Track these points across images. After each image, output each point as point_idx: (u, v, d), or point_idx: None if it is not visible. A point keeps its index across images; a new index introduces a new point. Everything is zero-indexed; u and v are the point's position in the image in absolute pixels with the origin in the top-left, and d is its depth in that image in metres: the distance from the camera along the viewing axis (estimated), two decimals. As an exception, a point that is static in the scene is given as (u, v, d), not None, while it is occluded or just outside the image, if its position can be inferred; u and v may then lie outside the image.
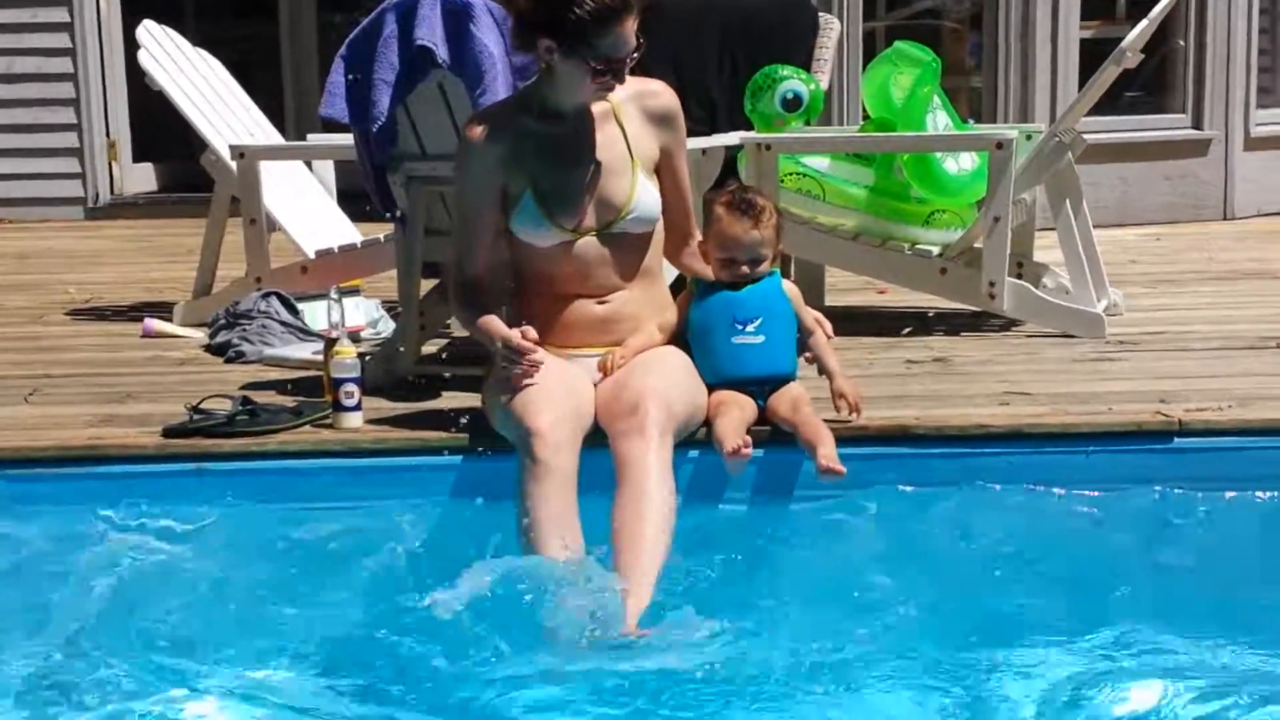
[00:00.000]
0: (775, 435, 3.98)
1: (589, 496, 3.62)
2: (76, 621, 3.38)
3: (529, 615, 3.34)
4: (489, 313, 3.91)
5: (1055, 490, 4.00)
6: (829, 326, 4.10)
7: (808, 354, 4.09)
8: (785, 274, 4.50)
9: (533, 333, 3.76)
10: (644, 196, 3.92)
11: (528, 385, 3.72)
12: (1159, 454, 4.09)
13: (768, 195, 4.15)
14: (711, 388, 3.96)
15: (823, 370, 4.08)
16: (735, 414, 3.88)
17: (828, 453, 3.78)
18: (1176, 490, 4.00)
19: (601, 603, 3.33)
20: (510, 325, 4.00)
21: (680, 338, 4.03)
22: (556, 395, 3.71)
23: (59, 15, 10.11)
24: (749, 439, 3.81)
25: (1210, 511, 3.93)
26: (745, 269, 3.97)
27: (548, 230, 3.88)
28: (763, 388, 3.99)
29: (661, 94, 4.04)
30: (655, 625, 3.32)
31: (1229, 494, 4.00)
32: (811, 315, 4.09)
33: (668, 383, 3.79)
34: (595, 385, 3.89)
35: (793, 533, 3.82)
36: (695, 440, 3.91)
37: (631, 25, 3.75)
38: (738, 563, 3.66)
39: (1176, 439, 4.11)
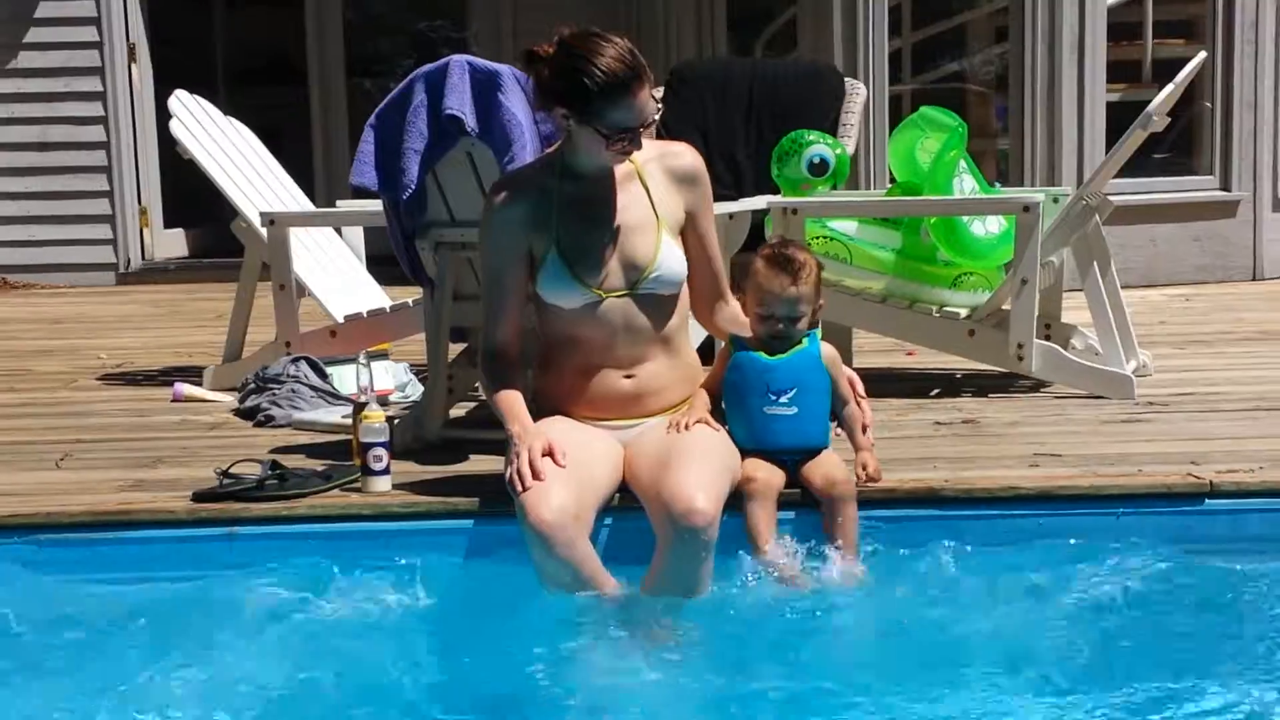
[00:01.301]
0: (805, 498, 3.97)
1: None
2: (109, 684, 3.38)
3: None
4: (513, 386, 3.93)
5: (1085, 552, 3.97)
6: (860, 386, 4.09)
7: (837, 429, 4.08)
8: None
9: (553, 459, 3.73)
10: (668, 256, 3.93)
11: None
12: (1190, 516, 4.07)
13: (808, 249, 4.14)
14: (743, 451, 3.95)
15: (851, 441, 4.08)
16: (767, 505, 3.87)
17: (846, 557, 3.83)
18: (1207, 552, 3.97)
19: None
20: (536, 396, 4.03)
21: (716, 396, 4.03)
22: (566, 477, 3.70)
23: (92, 84, 10.26)
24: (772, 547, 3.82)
25: (1242, 574, 3.90)
26: (782, 326, 3.96)
27: (573, 289, 3.89)
28: (794, 456, 3.98)
29: (684, 154, 4.05)
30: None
31: (1261, 556, 3.96)
32: (846, 376, 4.07)
33: (711, 468, 3.77)
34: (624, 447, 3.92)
35: (821, 594, 3.79)
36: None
37: (645, 94, 3.77)
38: (767, 622, 3.66)
39: (1207, 500, 4.09)
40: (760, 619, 3.64)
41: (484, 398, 5.51)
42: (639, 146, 3.86)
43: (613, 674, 3.43)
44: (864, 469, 4.03)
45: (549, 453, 3.72)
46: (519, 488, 3.66)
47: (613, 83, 3.72)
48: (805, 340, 4.00)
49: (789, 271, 3.93)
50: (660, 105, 3.86)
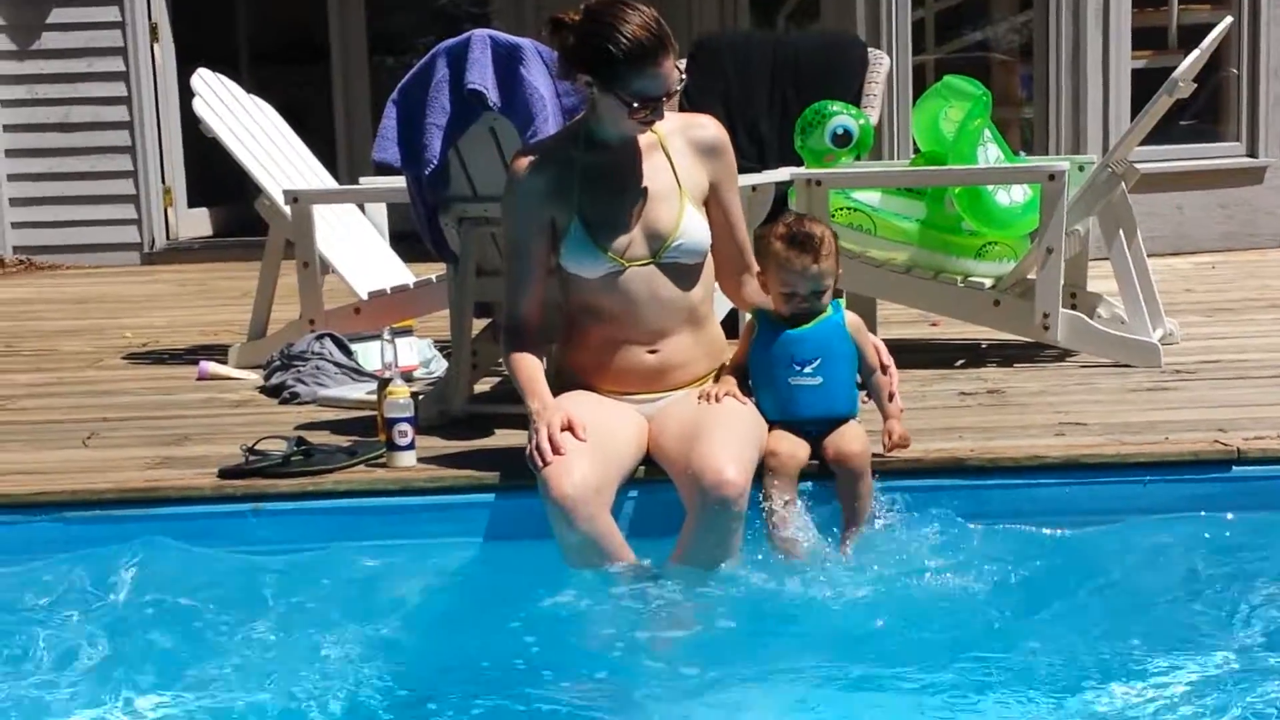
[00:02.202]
0: (824, 470, 3.96)
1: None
2: (135, 662, 3.40)
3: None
4: (532, 360, 3.93)
5: (1112, 521, 3.95)
6: (886, 354, 4.08)
7: (865, 396, 4.07)
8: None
9: (573, 434, 3.73)
10: (691, 225, 3.92)
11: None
12: (1217, 483, 4.05)
13: (822, 222, 4.12)
14: (770, 423, 3.94)
15: (880, 409, 4.07)
16: (786, 483, 3.85)
17: (850, 538, 3.84)
18: (1236, 519, 3.95)
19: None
20: (560, 370, 4.03)
21: (742, 370, 4.03)
22: (588, 451, 3.70)
23: (115, 65, 10.27)
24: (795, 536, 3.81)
25: (1270, 540, 3.88)
26: (805, 303, 3.94)
27: (596, 258, 3.89)
28: (819, 428, 3.97)
29: (708, 126, 4.04)
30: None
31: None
32: (872, 344, 4.06)
33: (740, 439, 3.77)
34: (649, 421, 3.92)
35: (840, 563, 3.79)
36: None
37: (669, 64, 3.77)
38: (784, 589, 3.66)
39: (1235, 467, 4.07)
40: (783, 594, 3.63)
41: (508, 372, 5.54)
42: (661, 116, 3.85)
43: (634, 649, 3.44)
44: (890, 436, 4.02)
45: (568, 427, 3.72)
46: (539, 463, 3.67)
47: (637, 50, 3.72)
48: (829, 309, 3.99)
49: (809, 249, 3.91)
50: (684, 76, 3.85)
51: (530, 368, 3.93)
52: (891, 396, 4.07)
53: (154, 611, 3.65)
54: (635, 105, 3.77)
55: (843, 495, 3.90)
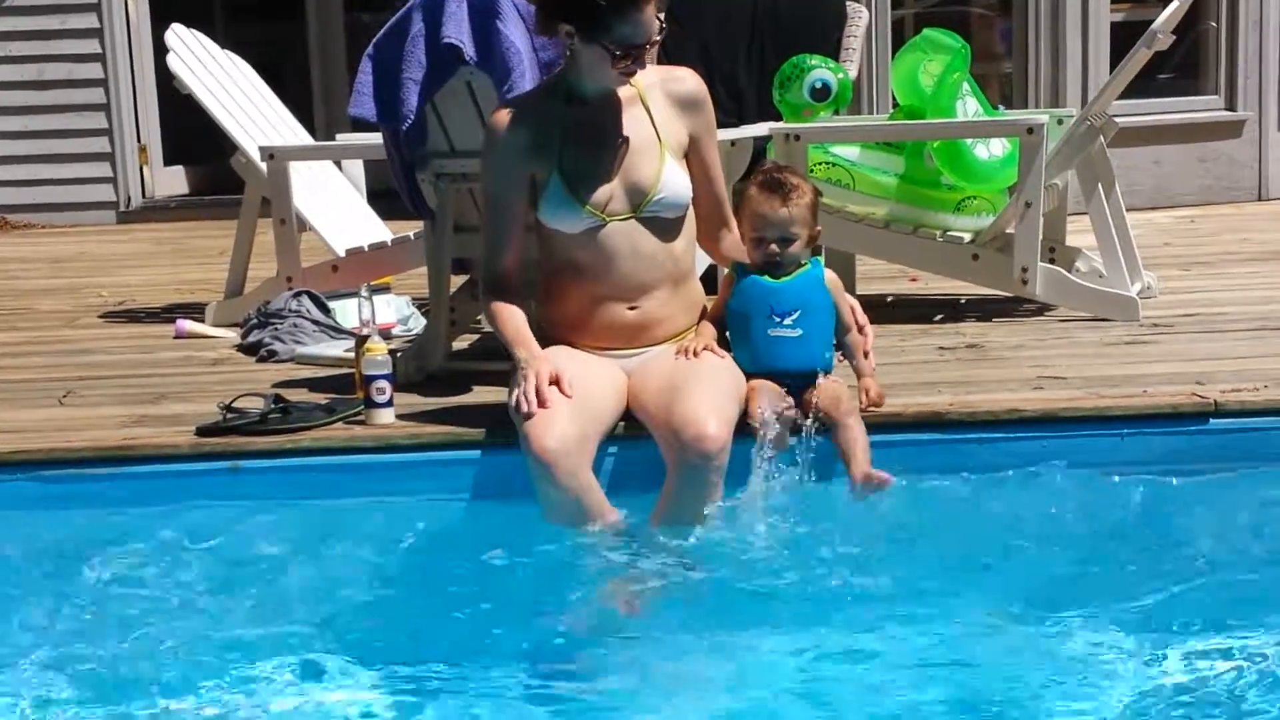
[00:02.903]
0: (809, 420, 3.95)
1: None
2: (112, 620, 3.40)
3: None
4: (516, 313, 3.92)
5: (1090, 473, 3.96)
6: (862, 314, 4.08)
7: (840, 355, 4.07)
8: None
9: (559, 389, 3.72)
10: (672, 178, 3.91)
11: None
12: (1195, 435, 4.07)
13: (802, 174, 4.12)
14: (747, 375, 3.94)
15: (853, 368, 4.07)
16: (765, 397, 3.87)
17: (865, 465, 3.82)
18: (1213, 471, 3.97)
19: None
20: (539, 326, 4.02)
21: (720, 323, 4.02)
22: (568, 406, 3.70)
23: (88, 21, 10.16)
24: (781, 406, 3.82)
25: (1248, 493, 3.90)
26: (774, 247, 3.94)
27: (576, 212, 3.87)
28: (797, 381, 3.97)
29: (687, 80, 4.03)
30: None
31: (1267, 475, 3.96)
32: (848, 304, 4.06)
33: (720, 392, 3.77)
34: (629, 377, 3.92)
35: (823, 517, 3.79)
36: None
37: (650, 11, 3.75)
38: (768, 547, 3.66)
39: (1212, 420, 4.08)
40: (767, 546, 3.64)
41: (487, 329, 5.53)
42: (643, 66, 3.84)
43: (616, 605, 3.44)
44: (866, 394, 4.02)
45: (555, 381, 3.71)
46: (524, 410, 3.66)
47: None
48: (808, 263, 3.99)
49: (780, 193, 3.92)
50: (664, 25, 3.83)
51: (515, 318, 3.92)
52: (866, 354, 4.07)
53: (129, 569, 3.64)
54: (618, 54, 3.75)
55: (842, 439, 3.89)
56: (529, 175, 3.91)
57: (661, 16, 3.86)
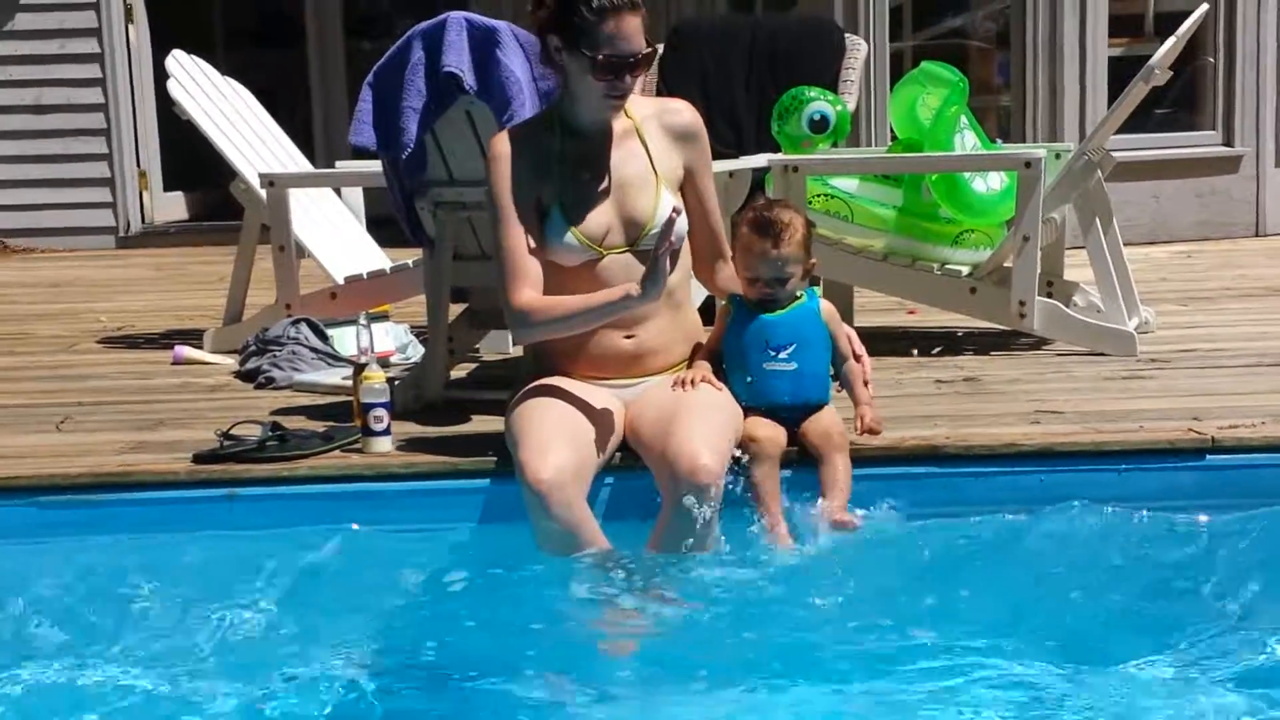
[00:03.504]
0: (804, 456, 3.96)
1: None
2: (108, 645, 3.39)
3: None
4: (562, 301, 3.84)
5: (1086, 508, 3.97)
6: (859, 344, 4.08)
7: (837, 386, 4.07)
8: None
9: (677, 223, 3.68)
10: (667, 212, 3.90)
11: (534, 425, 3.73)
12: (1192, 471, 4.07)
13: (795, 207, 4.12)
14: (744, 409, 3.95)
15: (851, 397, 4.08)
16: (771, 467, 3.86)
17: (836, 506, 3.83)
18: (1210, 508, 3.97)
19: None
20: (537, 356, 4.02)
21: (716, 355, 4.02)
22: (565, 436, 3.70)
23: (89, 46, 10.20)
24: (778, 528, 3.81)
25: (1244, 529, 3.89)
26: (768, 289, 3.96)
27: (574, 245, 3.87)
28: (794, 413, 3.97)
29: (683, 111, 4.04)
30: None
31: (1263, 511, 3.96)
32: (845, 334, 4.07)
33: (716, 425, 3.76)
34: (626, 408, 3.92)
35: (821, 549, 3.79)
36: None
37: (635, 26, 3.76)
38: (762, 577, 3.66)
39: (1209, 456, 4.08)
40: (759, 579, 3.64)
41: (485, 358, 5.54)
42: (629, 89, 3.83)
43: (610, 637, 3.43)
44: (862, 420, 4.02)
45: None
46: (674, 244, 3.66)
47: (605, 3, 3.73)
48: (804, 296, 4.01)
49: (770, 234, 3.93)
50: (655, 48, 3.83)
51: (563, 299, 3.84)
52: (866, 383, 4.07)
53: (127, 597, 3.64)
54: (599, 62, 3.75)
55: (825, 474, 3.91)
56: (536, 194, 3.91)
57: (659, 48, 3.87)
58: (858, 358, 4.08)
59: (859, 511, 3.88)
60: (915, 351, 5.58)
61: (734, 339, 3.99)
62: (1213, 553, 3.79)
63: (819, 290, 4.12)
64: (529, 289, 3.85)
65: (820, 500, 3.87)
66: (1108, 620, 3.48)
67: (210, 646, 3.38)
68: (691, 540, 3.66)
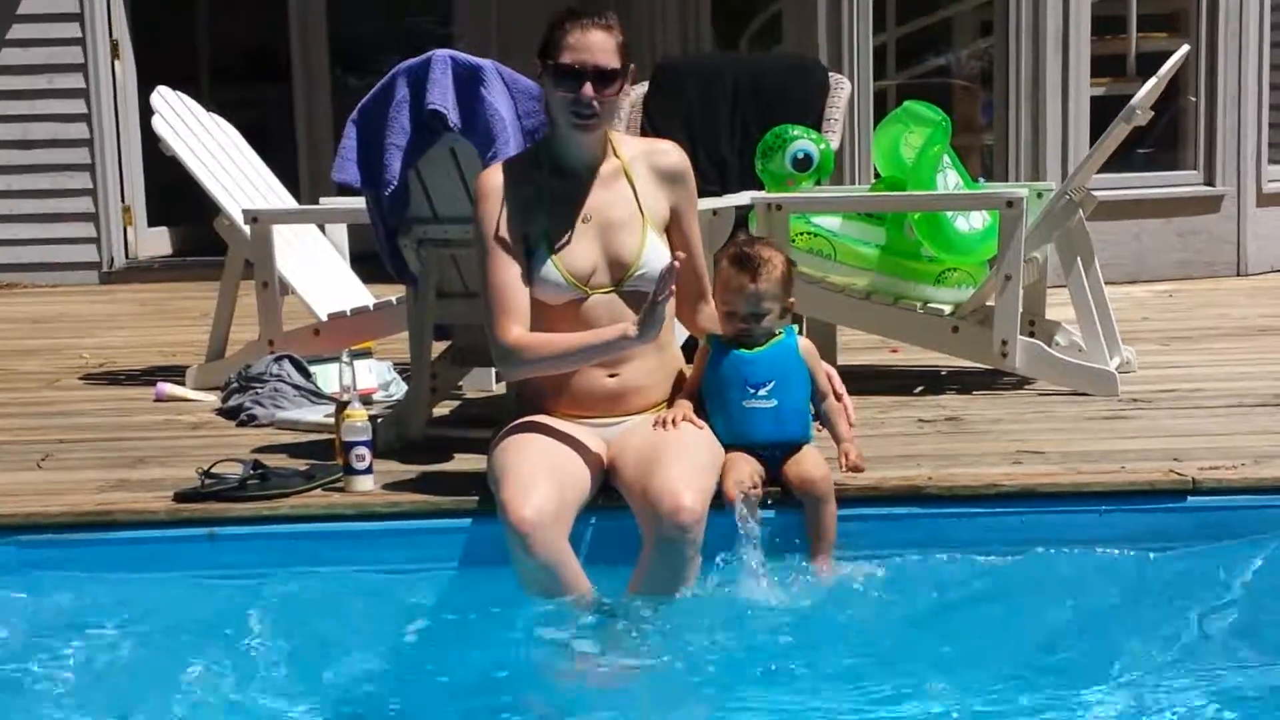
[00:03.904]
0: (785, 497, 3.96)
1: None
2: (88, 686, 3.37)
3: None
4: (552, 339, 3.85)
5: (1068, 549, 3.97)
6: (839, 383, 4.09)
7: (818, 424, 4.08)
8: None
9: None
10: (654, 253, 3.92)
11: (516, 465, 3.73)
12: (1173, 513, 4.07)
13: (776, 245, 4.13)
14: (724, 446, 3.95)
15: (832, 435, 4.08)
16: (745, 466, 3.88)
17: (819, 556, 3.84)
18: (1190, 549, 3.98)
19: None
20: (519, 394, 4.02)
21: (696, 396, 4.03)
22: (547, 476, 3.70)
23: (74, 81, 10.22)
24: (756, 482, 3.82)
25: (1224, 571, 3.90)
26: (744, 324, 3.96)
27: (560, 283, 3.87)
28: (774, 451, 3.98)
29: (670, 152, 4.05)
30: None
31: (1243, 553, 3.97)
32: (825, 372, 4.07)
33: (697, 464, 3.77)
34: (609, 447, 3.92)
35: (798, 592, 3.78)
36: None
37: (600, 41, 3.81)
38: (744, 619, 3.65)
39: (1190, 498, 4.09)
40: (742, 620, 3.63)
41: (467, 396, 5.53)
42: (592, 105, 3.82)
43: (589, 679, 3.42)
44: (846, 457, 4.02)
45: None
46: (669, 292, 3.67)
47: (569, 15, 3.83)
48: (782, 333, 4.01)
49: (749, 269, 3.94)
50: (622, 68, 3.84)
51: (554, 337, 3.85)
52: (851, 424, 4.08)
53: (106, 639, 3.62)
54: (558, 69, 3.79)
55: (809, 522, 3.90)
56: (523, 231, 3.91)
57: (628, 69, 3.87)
58: (838, 396, 4.08)
59: (844, 566, 3.87)
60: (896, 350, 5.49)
61: (713, 377, 3.99)
62: (1193, 595, 3.80)
63: (798, 329, 4.12)
64: (517, 326, 3.86)
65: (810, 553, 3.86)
66: (1090, 662, 3.47)
67: (184, 689, 3.35)
68: (673, 581, 3.65)
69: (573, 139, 3.90)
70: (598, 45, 3.81)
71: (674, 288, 3.70)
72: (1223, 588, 3.82)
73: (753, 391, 3.95)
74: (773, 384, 3.96)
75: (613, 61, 3.82)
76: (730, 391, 3.97)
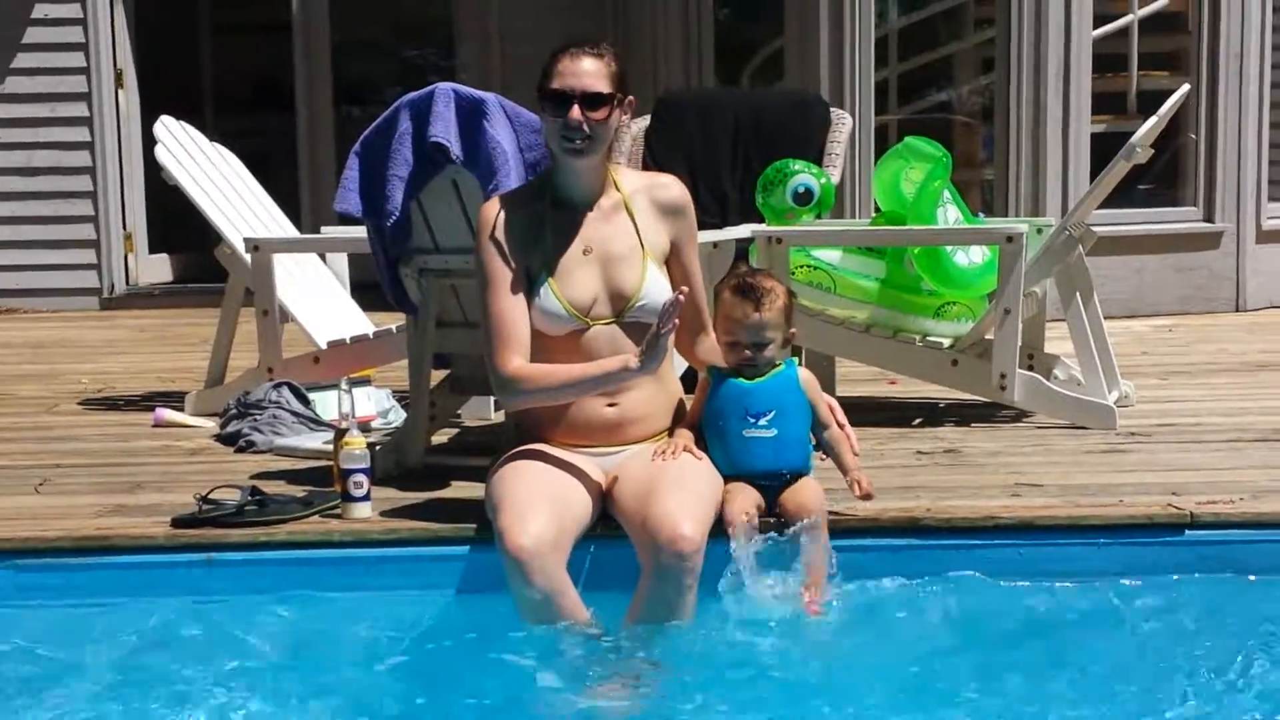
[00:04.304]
0: (783, 527, 3.95)
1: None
2: (83, 710, 3.37)
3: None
4: (552, 370, 3.87)
5: (1065, 583, 3.97)
6: (841, 413, 4.09)
7: (820, 454, 4.08)
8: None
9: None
10: (654, 286, 3.93)
11: (514, 492, 3.73)
12: (1170, 546, 4.07)
13: (777, 277, 4.14)
14: (724, 476, 3.95)
15: (838, 464, 4.07)
16: (745, 498, 3.88)
17: (813, 597, 3.80)
18: (1187, 583, 3.98)
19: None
20: (519, 423, 4.02)
21: (696, 428, 4.03)
22: (545, 504, 3.70)
23: (78, 110, 10.27)
24: (751, 513, 3.81)
25: (1221, 605, 3.90)
26: (748, 353, 3.97)
27: (561, 315, 3.88)
28: (774, 481, 3.98)
29: (671, 186, 4.07)
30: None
31: (1240, 587, 3.97)
32: (826, 403, 4.07)
33: (696, 494, 3.77)
34: (611, 476, 3.93)
35: (801, 622, 3.78)
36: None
37: (589, 67, 3.85)
38: (740, 651, 3.65)
39: (1188, 531, 4.09)
40: (740, 651, 3.63)
41: (466, 424, 5.54)
42: (582, 130, 3.84)
43: (586, 710, 3.42)
44: (858, 485, 4.00)
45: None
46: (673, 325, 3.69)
47: (562, 46, 3.89)
48: (782, 364, 4.02)
49: (752, 298, 3.94)
50: (615, 95, 3.87)
51: (555, 368, 3.87)
52: (856, 453, 4.07)
53: (101, 665, 3.61)
54: (547, 94, 3.84)
55: (804, 552, 3.88)
56: (525, 262, 3.92)
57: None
58: (840, 426, 4.08)
59: (839, 598, 3.86)
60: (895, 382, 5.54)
61: (713, 407, 4.00)
62: (1190, 629, 3.79)
63: (798, 360, 4.13)
64: (518, 356, 3.87)
65: (795, 579, 3.85)
66: (1087, 695, 3.47)
67: (179, 715, 3.35)
68: (670, 611, 3.65)
69: (570, 168, 3.92)
70: (586, 71, 3.85)
71: (677, 321, 3.71)
72: (1219, 622, 3.82)
73: (753, 421, 3.96)
74: (773, 414, 3.96)
75: (601, 86, 3.85)
76: (730, 421, 3.97)
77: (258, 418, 5.45)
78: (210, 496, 4.23)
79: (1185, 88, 6.00)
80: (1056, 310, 5.88)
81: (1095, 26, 8.86)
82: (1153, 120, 5.53)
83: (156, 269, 10.76)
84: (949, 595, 3.95)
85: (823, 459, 4.10)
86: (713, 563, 3.71)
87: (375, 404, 5.71)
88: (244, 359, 6.17)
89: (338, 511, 4.22)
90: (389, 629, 3.91)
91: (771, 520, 3.94)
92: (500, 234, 3.91)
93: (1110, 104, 9.11)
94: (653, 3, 9.68)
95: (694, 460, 3.89)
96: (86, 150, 10.28)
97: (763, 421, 3.96)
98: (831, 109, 6.80)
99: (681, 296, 3.70)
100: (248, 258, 5.99)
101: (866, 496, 4.01)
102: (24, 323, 9.80)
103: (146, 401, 6.37)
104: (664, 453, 3.90)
